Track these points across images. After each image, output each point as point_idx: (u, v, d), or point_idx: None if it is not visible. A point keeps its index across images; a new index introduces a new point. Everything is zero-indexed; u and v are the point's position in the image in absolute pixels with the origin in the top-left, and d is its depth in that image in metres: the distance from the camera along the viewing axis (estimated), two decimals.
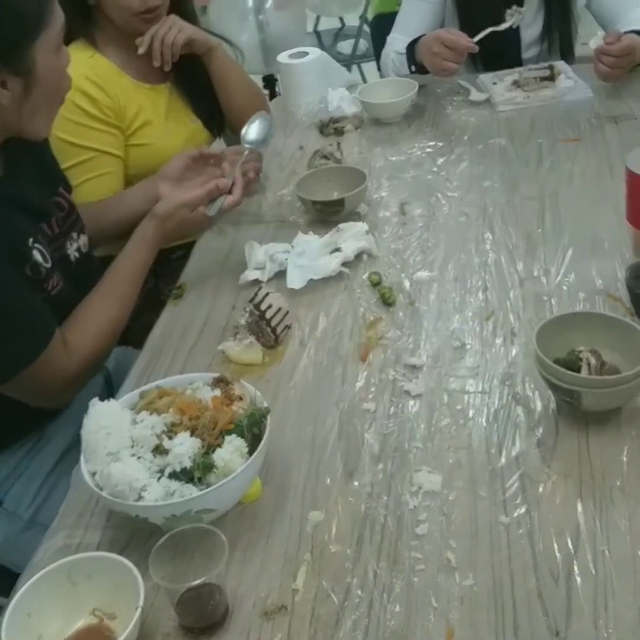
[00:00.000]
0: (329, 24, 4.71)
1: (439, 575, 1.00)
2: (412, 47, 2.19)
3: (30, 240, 1.35)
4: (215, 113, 2.10)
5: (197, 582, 0.96)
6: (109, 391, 1.58)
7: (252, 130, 1.77)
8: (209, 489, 1.04)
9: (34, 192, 1.43)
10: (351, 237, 1.63)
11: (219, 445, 1.08)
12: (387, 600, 0.99)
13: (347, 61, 4.10)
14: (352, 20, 4.47)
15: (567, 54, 2.36)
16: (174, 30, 1.89)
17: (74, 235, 1.52)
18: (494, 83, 2.24)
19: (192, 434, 1.09)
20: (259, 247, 1.65)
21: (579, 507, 1.05)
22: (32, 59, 1.27)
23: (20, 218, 1.35)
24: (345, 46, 4.33)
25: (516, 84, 2.20)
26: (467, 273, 1.54)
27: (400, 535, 1.06)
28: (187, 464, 1.06)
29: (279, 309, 1.44)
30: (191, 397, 1.16)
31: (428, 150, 2.02)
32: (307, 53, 2.31)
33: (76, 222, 1.53)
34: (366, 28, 4.00)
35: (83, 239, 1.54)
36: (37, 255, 1.36)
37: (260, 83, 3.30)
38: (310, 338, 1.45)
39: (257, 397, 1.17)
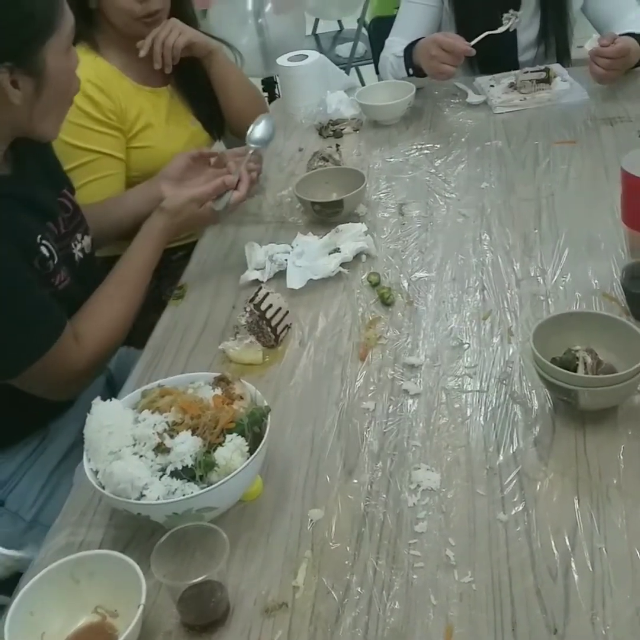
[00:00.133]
0: (327, 27, 4.71)
1: (438, 573, 1.01)
2: (409, 50, 2.20)
3: (38, 237, 1.37)
4: (216, 116, 2.12)
5: (199, 579, 0.97)
6: (111, 391, 1.59)
7: (258, 130, 1.79)
8: (210, 488, 1.05)
9: (41, 192, 1.44)
10: (350, 237, 1.64)
11: (220, 444, 1.09)
12: (386, 598, 0.99)
13: (346, 64, 4.10)
14: (351, 23, 4.48)
15: (563, 57, 2.37)
16: (174, 33, 1.90)
17: (79, 236, 1.53)
18: (491, 85, 2.25)
19: (193, 433, 1.09)
20: (259, 247, 1.67)
21: (576, 505, 1.06)
22: (43, 60, 1.29)
23: (28, 216, 1.37)
24: (344, 49, 4.34)
25: (513, 86, 2.21)
26: (465, 273, 1.56)
27: (399, 532, 1.07)
28: (189, 462, 1.07)
29: (279, 309, 1.45)
30: (192, 396, 1.17)
31: (426, 151, 2.03)
32: (306, 56, 2.32)
33: (81, 223, 1.55)
34: (364, 31, 4.01)
35: (87, 240, 1.56)
36: (44, 251, 1.37)
37: (259, 86, 3.31)
38: (309, 338, 1.46)
39: (258, 396, 1.18)
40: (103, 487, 1.08)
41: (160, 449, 1.09)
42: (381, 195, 1.87)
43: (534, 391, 1.25)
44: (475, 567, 1.01)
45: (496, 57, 2.28)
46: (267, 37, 3.23)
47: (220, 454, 1.08)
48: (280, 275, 1.60)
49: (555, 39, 2.34)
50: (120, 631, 0.98)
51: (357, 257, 1.63)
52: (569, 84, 2.18)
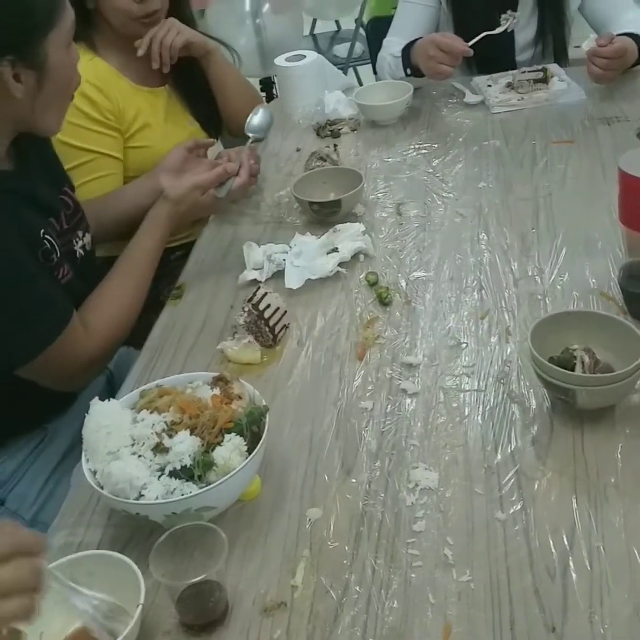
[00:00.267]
0: (325, 27, 4.71)
1: (436, 572, 1.01)
2: (407, 50, 2.20)
3: (41, 231, 1.38)
4: (213, 115, 2.12)
5: (198, 579, 0.97)
6: (111, 391, 1.60)
7: (256, 119, 1.83)
8: (208, 487, 1.05)
9: (43, 188, 1.45)
10: (348, 237, 1.64)
11: (219, 444, 1.09)
12: (385, 597, 1.00)
13: (343, 64, 4.11)
14: (348, 23, 4.48)
15: (561, 57, 2.37)
16: (172, 33, 1.90)
17: (80, 233, 1.54)
18: (489, 85, 2.26)
19: (192, 433, 1.10)
20: (257, 247, 1.67)
21: (574, 504, 1.07)
22: (45, 54, 1.30)
23: (31, 211, 1.38)
24: (342, 49, 4.34)
25: (510, 86, 2.22)
26: (463, 273, 1.56)
27: (397, 532, 1.07)
28: (187, 462, 1.07)
29: (277, 309, 1.45)
30: (191, 396, 1.17)
31: (423, 151, 2.04)
32: (304, 56, 2.32)
33: (82, 221, 1.56)
34: (362, 31, 4.01)
35: (87, 238, 1.57)
36: (47, 244, 1.38)
37: (257, 86, 3.31)
38: (308, 337, 1.46)
39: (256, 396, 1.18)
40: (102, 487, 1.08)
41: (159, 448, 1.09)
42: (379, 195, 1.88)
43: (531, 390, 1.25)
44: (473, 566, 1.01)
45: (494, 57, 2.28)
46: (265, 37, 3.24)
47: (219, 454, 1.08)
48: (279, 275, 1.60)
49: (553, 39, 2.34)
50: (119, 631, 0.98)
51: (355, 256, 1.63)
52: (566, 83, 2.18)
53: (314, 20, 4.64)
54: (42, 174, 1.48)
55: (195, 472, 1.07)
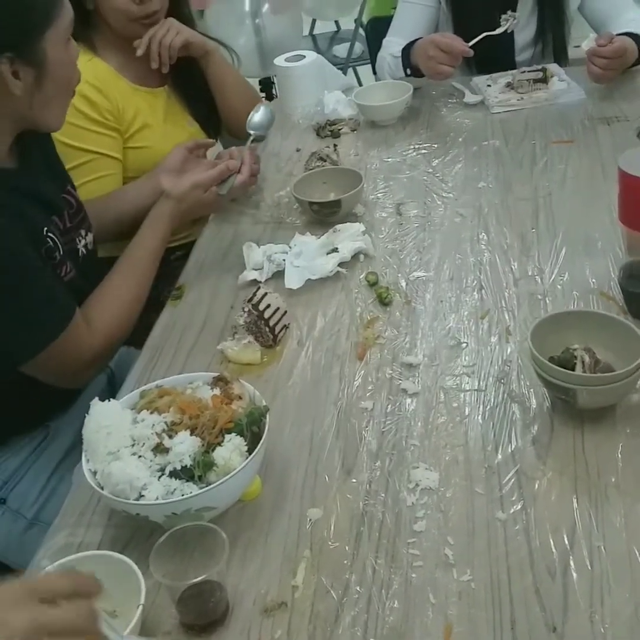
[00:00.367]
0: (324, 27, 4.71)
1: (437, 572, 1.01)
2: (407, 50, 2.20)
3: (44, 228, 1.38)
4: (213, 116, 2.12)
5: (198, 579, 0.97)
6: (112, 390, 1.60)
7: (257, 116, 1.86)
8: (209, 487, 1.05)
9: (46, 186, 1.46)
10: (348, 237, 1.64)
11: (219, 444, 1.09)
12: (385, 597, 1.00)
13: (343, 64, 4.11)
14: (348, 23, 4.48)
15: (560, 57, 2.37)
16: (171, 33, 1.91)
17: (82, 231, 1.55)
18: (488, 85, 2.26)
19: (192, 433, 1.09)
20: (257, 248, 1.67)
21: (575, 504, 1.07)
22: (43, 50, 1.31)
23: (34, 209, 1.38)
24: (341, 49, 4.33)
25: (510, 86, 2.22)
26: (463, 273, 1.56)
27: (398, 532, 1.07)
28: (188, 462, 1.07)
29: (277, 309, 1.45)
30: (191, 396, 1.17)
31: (423, 151, 2.04)
32: (303, 56, 2.32)
33: (84, 219, 1.57)
34: (362, 31, 4.01)
35: (90, 237, 1.57)
36: (50, 242, 1.39)
37: (257, 86, 3.31)
38: (308, 338, 1.46)
39: (256, 396, 1.18)
40: (102, 488, 1.08)
41: (159, 449, 1.09)
42: (379, 195, 1.88)
43: (532, 390, 1.25)
44: (474, 566, 1.01)
45: (493, 56, 2.28)
46: (265, 37, 3.24)
47: (219, 454, 1.08)
48: (279, 275, 1.60)
49: (552, 39, 2.34)
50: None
51: (355, 256, 1.63)
52: (566, 83, 2.18)
53: (314, 21, 4.64)
54: (45, 172, 1.49)
55: (195, 472, 1.07)
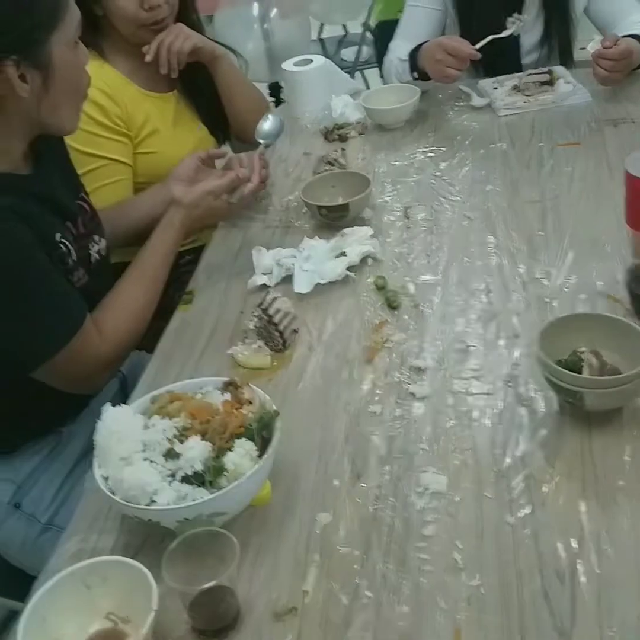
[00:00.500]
0: (332, 31, 4.71)
1: (446, 576, 1.02)
2: (414, 54, 2.20)
3: (58, 235, 1.40)
4: (222, 120, 2.13)
5: (209, 584, 0.97)
6: (124, 395, 1.62)
7: (266, 125, 1.84)
8: (220, 492, 1.06)
9: (60, 192, 1.47)
10: (356, 241, 1.65)
11: (230, 449, 1.10)
12: (395, 601, 1.00)
13: (351, 68, 4.10)
14: (356, 27, 4.47)
15: (566, 59, 2.36)
16: (180, 38, 1.92)
17: (96, 237, 1.56)
18: (495, 88, 2.25)
19: (203, 438, 1.10)
20: (266, 252, 1.67)
21: (583, 507, 1.07)
22: (49, 53, 1.31)
23: (48, 215, 1.39)
24: (349, 53, 4.33)
25: (516, 88, 2.21)
26: (471, 276, 1.56)
27: (407, 536, 1.08)
28: (199, 467, 1.07)
29: (287, 314, 1.46)
30: (202, 401, 1.18)
31: (430, 155, 2.04)
32: (311, 60, 2.33)
33: (98, 226, 1.58)
34: (369, 35, 4.02)
35: (103, 243, 1.58)
36: (63, 248, 1.40)
37: (266, 91, 3.32)
38: (317, 342, 1.47)
39: (266, 400, 1.19)
40: (113, 493, 1.09)
41: (170, 454, 1.10)
42: (386, 198, 1.88)
43: (540, 393, 1.26)
44: (483, 570, 1.02)
45: (500, 59, 2.28)
46: (273, 42, 3.24)
47: (230, 459, 1.09)
48: (288, 279, 1.61)
49: (558, 41, 2.34)
50: (132, 637, 0.99)
51: (363, 260, 1.64)
52: (572, 85, 2.18)
53: (322, 25, 4.65)
54: (60, 178, 1.50)
55: (206, 477, 1.08)
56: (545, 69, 2.22)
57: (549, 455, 1.15)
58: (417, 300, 1.52)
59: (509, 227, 1.69)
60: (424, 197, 1.86)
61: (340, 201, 1.78)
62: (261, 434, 1.13)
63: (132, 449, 1.11)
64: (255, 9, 3.25)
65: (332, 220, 1.77)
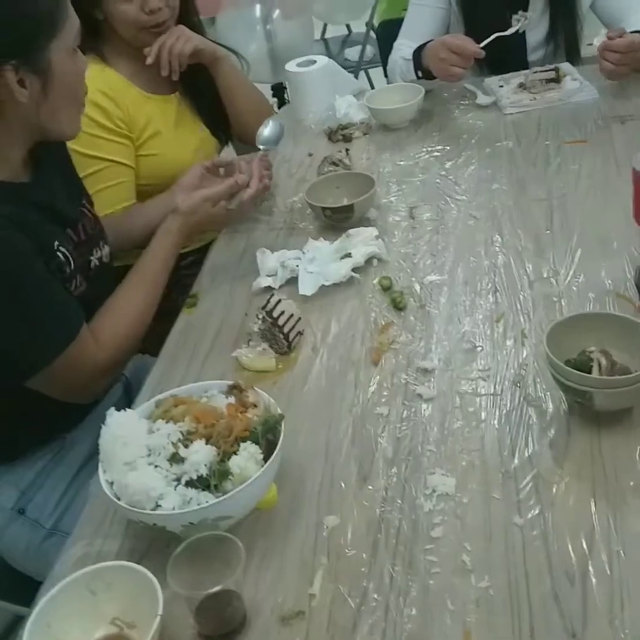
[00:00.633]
0: (336, 31, 4.71)
1: (455, 578, 1.01)
2: (418, 52, 2.20)
3: (56, 243, 1.39)
4: (223, 122, 2.13)
5: (215, 589, 0.97)
6: (128, 399, 1.61)
7: (266, 131, 1.83)
8: (225, 496, 1.05)
9: (61, 199, 1.47)
10: (361, 242, 1.64)
11: (235, 453, 1.09)
12: (403, 604, 0.99)
13: (355, 68, 4.10)
14: (359, 27, 4.48)
15: (573, 56, 2.35)
16: (181, 40, 1.91)
17: (100, 243, 1.56)
18: (500, 86, 2.25)
19: (207, 442, 1.10)
20: (271, 254, 1.67)
21: (593, 508, 1.06)
22: (48, 59, 1.32)
23: (47, 223, 1.39)
24: (353, 53, 4.33)
25: (522, 86, 2.20)
26: (477, 276, 1.55)
27: (415, 538, 1.07)
28: (203, 471, 1.07)
29: (291, 316, 1.45)
30: (206, 405, 1.17)
31: (436, 154, 2.03)
32: (314, 61, 2.32)
33: (101, 232, 1.58)
34: (373, 34, 4.01)
35: (106, 249, 1.58)
36: (61, 257, 1.39)
37: (269, 92, 3.32)
38: (322, 344, 1.46)
39: (271, 403, 1.18)
40: (118, 498, 1.08)
41: (175, 458, 1.09)
42: (392, 198, 1.87)
43: (548, 393, 1.25)
44: (492, 571, 1.01)
45: (505, 57, 2.27)
46: (276, 42, 3.24)
47: (235, 463, 1.08)
48: (292, 281, 1.60)
49: (565, 38, 2.33)
50: None
51: (368, 261, 1.63)
52: (578, 82, 2.16)
53: (325, 25, 4.65)
54: (61, 185, 1.49)
55: (211, 481, 1.07)
56: (552, 66, 2.20)
57: (557, 456, 1.14)
58: (423, 301, 1.51)
59: (515, 225, 1.68)
60: (429, 196, 1.85)
61: (344, 202, 1.77)
62: (266, 437, 1.12)
63: (136, 453, 1.10)
64: (258, 10, 3.25)
65: (336, 221, 1.76)
